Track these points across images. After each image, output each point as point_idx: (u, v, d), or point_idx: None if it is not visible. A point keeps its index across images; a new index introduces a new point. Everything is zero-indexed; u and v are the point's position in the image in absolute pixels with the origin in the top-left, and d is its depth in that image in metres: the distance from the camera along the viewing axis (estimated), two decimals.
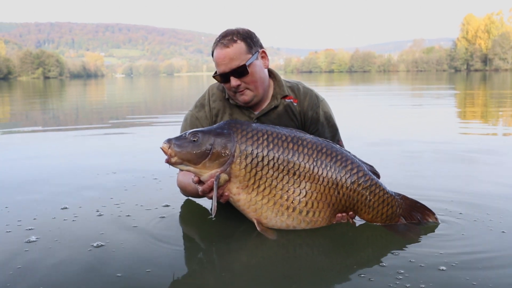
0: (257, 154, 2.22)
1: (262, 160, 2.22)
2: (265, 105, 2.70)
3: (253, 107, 2.70)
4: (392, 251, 2.18)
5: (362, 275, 1.94)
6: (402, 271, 1.95)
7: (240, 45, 2.47)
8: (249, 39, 2.52)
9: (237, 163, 2.21)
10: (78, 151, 5.49)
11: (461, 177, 3.78)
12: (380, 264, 2.05)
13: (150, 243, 2.29)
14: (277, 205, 2.25)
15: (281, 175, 2.24)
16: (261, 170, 2.21)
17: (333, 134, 2.78)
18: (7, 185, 3.69)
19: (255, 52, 2.53)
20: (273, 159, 2.22)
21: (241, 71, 2.46)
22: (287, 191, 2.25)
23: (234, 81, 2.47)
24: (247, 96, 2.55)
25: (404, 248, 2.20)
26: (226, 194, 2.25)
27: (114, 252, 2.19)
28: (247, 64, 2.45)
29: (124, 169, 4.14)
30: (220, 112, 2.73)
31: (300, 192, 2.25)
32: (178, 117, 9.28)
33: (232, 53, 2.44)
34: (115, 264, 2.06)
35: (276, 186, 2.24)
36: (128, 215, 2.78)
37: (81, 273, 1.99)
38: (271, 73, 2.78)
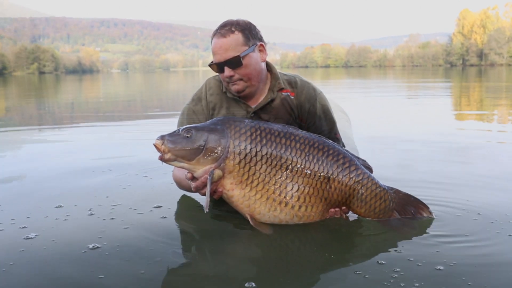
0: (250, 149, 2.22)
1: (256, 155, 2.22)
2: (261, 98, 2.68)
3: (250, 100, 2.68)
4: (389, 249, 2.15)
5: (357, 272, 1.93)
6: (398, 269, 1.93)
7: (237, 36, 2.49)
8: (248, 31, 2.54)
9: (231, 158, 2.22)
10: (74, 148, 5.48)
11: (461, 173, 3.74)
12: (377, 261, 2.03)
13: (145, 244, 2.25)
14: (270, 200, 2.24)
15: (274, 170, 2.24)
16: (255, 165, 2.22)
17: (331, 127, 2.77)
18: (1, 183, 3.66)
19: (253, 45, 2.54)
20: (266, 154, 2.23)
21: (235, 62, 2.48)
22: (280, 186, 2.24)
23: (227, 71, 2.49)
24: (239, 85, 2.55)
25: (402, 246, 2.17)
26: (219, 190, 2.26)
27: (108, 254, 2.15)
28: (241, 55, 2.47)
29: (120, 167, 4.10)
30: (217, 106, 2.71)
31: (293, 187, 2.25)
32: (175, 111, 9.24)
33: (228, 44, 2.47)
34: (110, 266, 2.03)
35: (269, 181, 2.24)
36: (122, 215, 2.73)
37: (76, 274, 1.96)
38: (269, 66, 2.74)
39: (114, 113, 10.64)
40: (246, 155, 2.22)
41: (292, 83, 2.73)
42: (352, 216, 2.49)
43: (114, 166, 4.15)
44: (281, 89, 2.68)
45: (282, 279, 1.91)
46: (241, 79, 2.54)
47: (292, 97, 2.69)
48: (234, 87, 2.57)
